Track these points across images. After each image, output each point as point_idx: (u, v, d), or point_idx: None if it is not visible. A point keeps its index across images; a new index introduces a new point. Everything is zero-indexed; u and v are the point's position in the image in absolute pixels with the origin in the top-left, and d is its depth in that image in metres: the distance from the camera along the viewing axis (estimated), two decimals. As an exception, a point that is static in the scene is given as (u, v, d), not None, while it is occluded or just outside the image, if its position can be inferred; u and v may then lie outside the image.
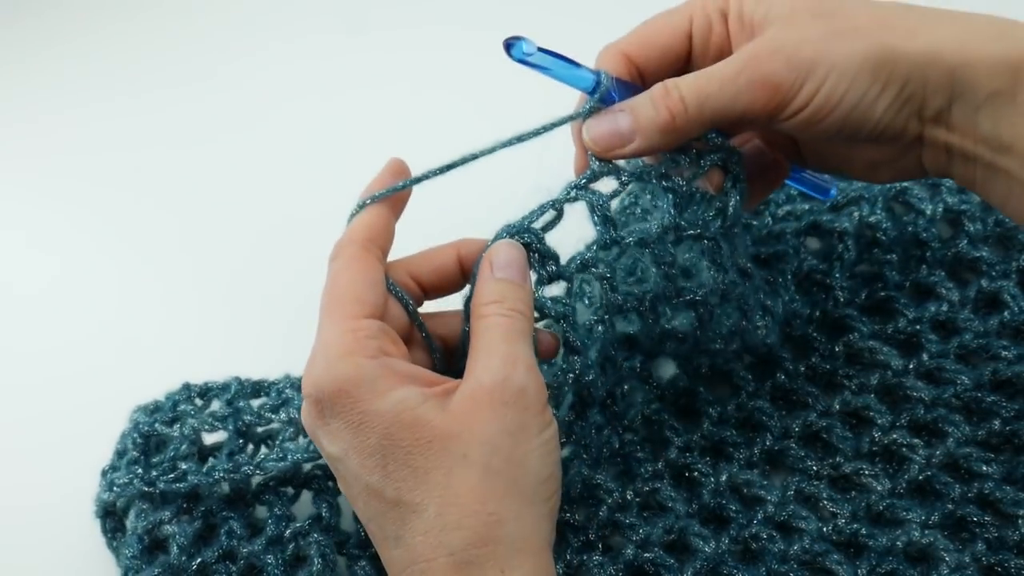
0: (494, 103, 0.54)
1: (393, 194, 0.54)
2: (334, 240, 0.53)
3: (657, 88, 0.52)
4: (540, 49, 0.51)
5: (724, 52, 0.54)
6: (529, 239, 0.53)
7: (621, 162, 0.54)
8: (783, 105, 0.51)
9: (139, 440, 0.59)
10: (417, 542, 0.47)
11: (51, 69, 0.84)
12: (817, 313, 0.64)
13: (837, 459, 0.60)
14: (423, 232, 0.56)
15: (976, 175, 0.52)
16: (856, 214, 0.65)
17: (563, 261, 0.54)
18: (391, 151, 0.56)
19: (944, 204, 0.66)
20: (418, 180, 0.54)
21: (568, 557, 0.57)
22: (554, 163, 0.57)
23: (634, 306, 0.55)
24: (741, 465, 0.60)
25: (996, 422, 0.59)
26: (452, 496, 0.46)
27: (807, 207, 0.67)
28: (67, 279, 0.74)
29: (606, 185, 0.54)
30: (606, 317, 0.55)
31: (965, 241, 0.65)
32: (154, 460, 0.58)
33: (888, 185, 0.65)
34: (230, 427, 0.59)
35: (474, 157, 0.53)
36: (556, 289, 0.54)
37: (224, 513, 0.58)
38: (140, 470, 0.57)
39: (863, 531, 0.57)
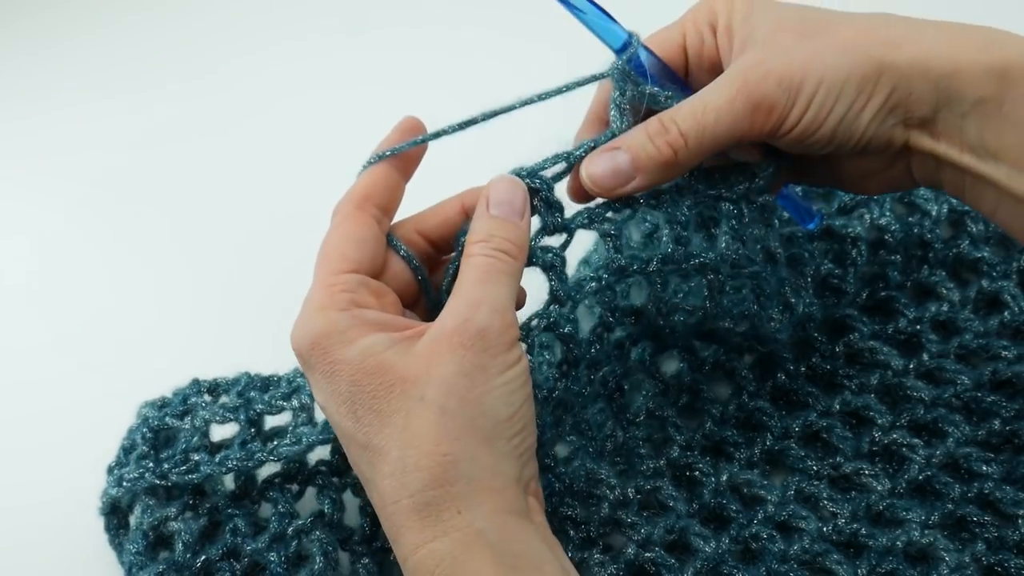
0: (494, 103, 0.55)
1: (403, 151, 0.53)
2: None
3: (653, 123, 0.52)
4: None
5: (716, 65, 0.55)
6: (538, 184, 0.52)
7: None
8: (778, 125, 0.51)
9: (148, 435, 0.58)
10: (385, 485, 0.47)
11: (47, 68, 0.84)
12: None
13: (837, 459, 0.60)
14: (440, 195, 0.56)
15: (965, 184, 0.52)
16: (867, 216, 0.65)
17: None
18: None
19: (948, 205, 0.66)
20: (431, 138, 0.53)
21: (569, 554, 0.57)
22: (578, 118, 0.57)
23: (641, 267, 0.54)
24: (741, 465, 0.60)
25: (996, 422, 0.59)
26: (410, 438, 0.47)
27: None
28: (62, 277, 0.74)
29: None
30: (604, 276, 0.54)
31: (967, 241, 0.65)
32: (163, 455, 0.57)
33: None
34: (241, 417, 0.58)
35: (494, 114, 0.53)
36: (557, 241, 0.53)
37: (229, 510, 0.57)
38: (151, 464, 0.57)
39: (863, 531, 0.57)
